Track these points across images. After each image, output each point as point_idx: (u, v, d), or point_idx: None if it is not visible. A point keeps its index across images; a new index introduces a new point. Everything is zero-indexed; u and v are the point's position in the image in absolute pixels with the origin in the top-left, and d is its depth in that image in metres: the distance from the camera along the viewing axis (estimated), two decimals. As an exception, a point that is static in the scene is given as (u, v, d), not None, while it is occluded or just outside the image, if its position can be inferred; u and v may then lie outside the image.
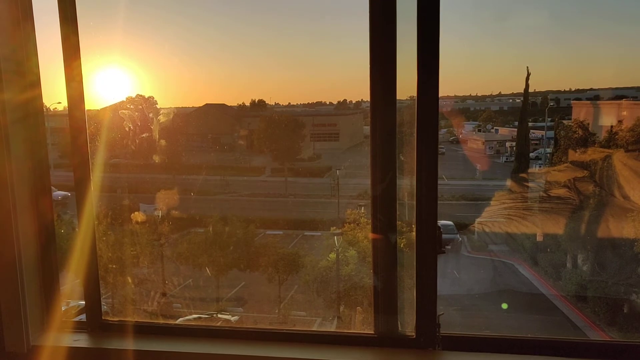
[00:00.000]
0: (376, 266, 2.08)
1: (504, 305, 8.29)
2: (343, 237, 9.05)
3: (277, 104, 12.08)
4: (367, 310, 8.20)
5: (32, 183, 2.33)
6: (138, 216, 7.81)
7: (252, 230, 9.46)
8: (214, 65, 12.55)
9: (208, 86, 12.30)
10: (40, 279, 2.38)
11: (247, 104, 11.90)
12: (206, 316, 8.04)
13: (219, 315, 8.12)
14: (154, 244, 8.52)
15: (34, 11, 2.29)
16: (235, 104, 12.19)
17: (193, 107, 11.45)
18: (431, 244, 1.94)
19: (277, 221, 10.60)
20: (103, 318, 2.38)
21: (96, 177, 2.39)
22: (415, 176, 1.94)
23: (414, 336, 2.04)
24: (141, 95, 9.05)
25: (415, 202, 1.95)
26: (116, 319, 2.38)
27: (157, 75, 10.62)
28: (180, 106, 10.39)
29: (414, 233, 1.99)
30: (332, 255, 8.90)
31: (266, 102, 11.80)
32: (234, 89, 12.27)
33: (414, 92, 1.97)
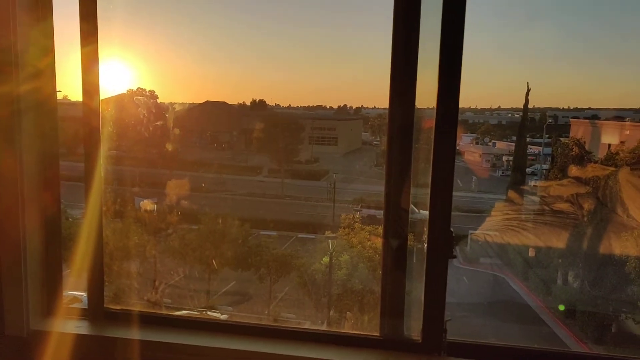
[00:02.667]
0: (385, 269, 2.08)
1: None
2: (337, 241, 9.04)
3: (277, 105, 12.06)
4: (356, 315, 8.18)
5: (40, 172, 2.33)
6: (142, 207, 7.78)
7: (246, 229, 9.42)
8: (215, 63, 12.51)
9: (209, 83, 12.26)
10: (44, 266, 2.37)
11: (248, 103, 11.89)
12: (195, 313, 7.98)
13: (209, 313, 8.06)
14: (153, 238, 8.48)
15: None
16: (236, 103, 12.18)
17: (193, 103, 11.42)
18: (443, 249, 1.95)
19: (272, 222, 10.57)
20: (105, 306, 2.37)
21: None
22: (430, 181, 1.95)
23: (420, 341, 2.04)
24: (142, 89, 8.99)
25: (429, 207, 1.96)
26: (118, 307, 2.37)
27: (158, 70, 10.58)
28: (181, 102, 10.35)
29: (425, 237, 1.99)
30: (326, 259, 8.88)
31: (266, 102, 11.79)
32: (234, 87, 12.24)
33: (426, 103, 1.99)
